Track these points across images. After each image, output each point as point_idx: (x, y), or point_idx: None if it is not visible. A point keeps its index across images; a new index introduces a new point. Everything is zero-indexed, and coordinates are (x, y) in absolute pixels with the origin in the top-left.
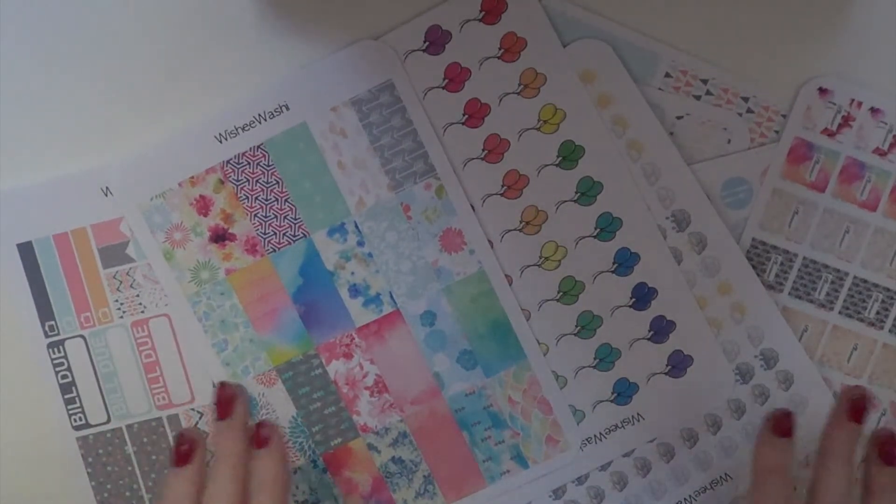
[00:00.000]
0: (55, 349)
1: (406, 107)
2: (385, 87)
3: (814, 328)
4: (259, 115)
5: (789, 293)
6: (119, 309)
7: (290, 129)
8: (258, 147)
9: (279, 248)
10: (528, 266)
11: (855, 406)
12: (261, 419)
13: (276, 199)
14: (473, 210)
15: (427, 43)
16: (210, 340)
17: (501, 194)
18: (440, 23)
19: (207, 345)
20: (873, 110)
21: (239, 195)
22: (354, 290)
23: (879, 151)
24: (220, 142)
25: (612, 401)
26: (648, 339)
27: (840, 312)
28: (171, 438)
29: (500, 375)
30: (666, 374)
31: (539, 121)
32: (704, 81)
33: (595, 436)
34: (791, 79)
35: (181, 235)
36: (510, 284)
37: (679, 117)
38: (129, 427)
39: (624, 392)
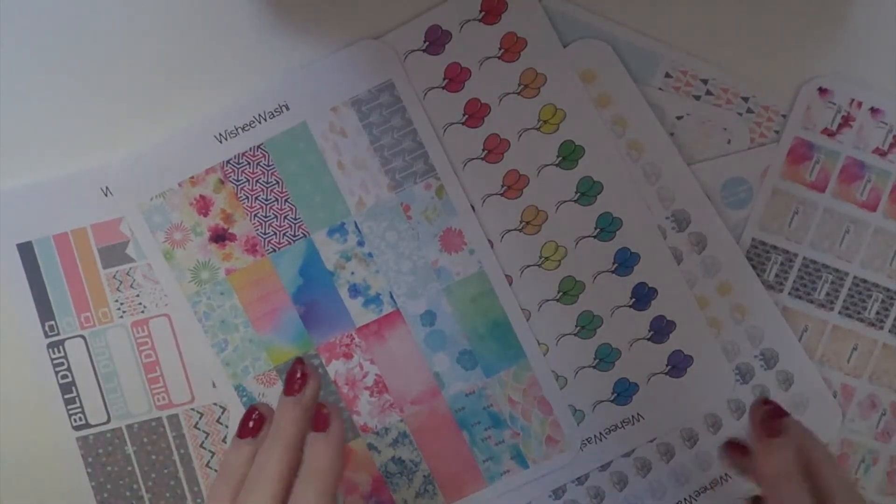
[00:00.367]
0: (55, 349)
1: (406, 107)
2: (385, 87)
3: (814, 328)
4: (259, 115)
5: (789, 293)
6: (119, 309)
7: (290, 129)
8: (258, 147)
9: (279, 248)
10: (528, 266)
11: (765, 423)
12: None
13: (276, 199)
14: (473, 210)
15: (427, 43)
16: (210, 340)
17: (501, 194)
18: (440, 23)
19: (207, 345)
20: (873, 110)
21: (239, 195)
22: (354, 290)
23: (879, 151)
24: (220, 142)
25: (612, 401)
26: (648, 339)
27: (840, 312)
28: (171, 438)
29: (500, 375)
30: (666, 374)
31: (539, 121)
32: (704, 81)
33: (595, 436)
34: (791, 79)
35: (181, 235)
36: (510, 284)
37: (679, 117)
38: (129, 427)
39: (624, 392)
